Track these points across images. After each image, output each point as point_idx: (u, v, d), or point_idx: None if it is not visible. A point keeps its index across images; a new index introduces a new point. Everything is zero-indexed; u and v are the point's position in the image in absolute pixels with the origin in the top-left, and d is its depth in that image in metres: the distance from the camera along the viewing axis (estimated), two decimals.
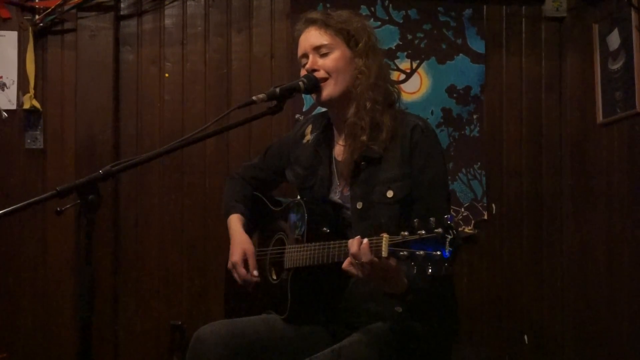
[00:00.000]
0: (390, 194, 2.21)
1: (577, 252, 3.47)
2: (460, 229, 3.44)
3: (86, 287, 1.82)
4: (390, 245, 1.81)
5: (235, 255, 2.44)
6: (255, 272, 2.42)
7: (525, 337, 3.52)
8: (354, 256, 1.89)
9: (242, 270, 2.43)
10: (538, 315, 3.54)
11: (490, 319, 3.53)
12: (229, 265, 2.47)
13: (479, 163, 3.54)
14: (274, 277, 2.43)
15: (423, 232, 1.75)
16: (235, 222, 2.54)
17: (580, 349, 3.45)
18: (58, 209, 1.86)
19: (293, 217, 2.38)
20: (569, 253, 3.52)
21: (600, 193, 3.32)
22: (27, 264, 3.40)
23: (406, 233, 1.78)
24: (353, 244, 1.89)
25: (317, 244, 2.16)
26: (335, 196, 2.35)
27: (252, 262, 2.43)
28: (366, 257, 1.86)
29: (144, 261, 3.46)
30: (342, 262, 1.98)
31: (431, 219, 1.76)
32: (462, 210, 3.50)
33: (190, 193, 3.48)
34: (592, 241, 3.38)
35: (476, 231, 3.50)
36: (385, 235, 1.82)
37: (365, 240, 1.87)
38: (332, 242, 2.10)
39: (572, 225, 3.51)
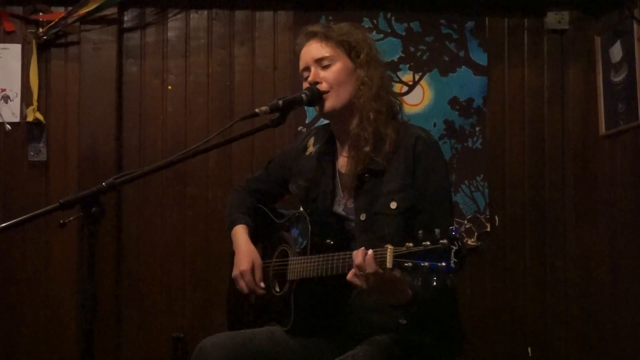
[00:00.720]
0: (393, 205, 2.21)
1: (580, 264, 3.46)
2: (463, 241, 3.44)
3: (89, 299, 1.82)
4: (394, 257, 1.81)
5: (244, 265, 2.43)
6: (262, 284, 2.42)
7: (529, 349, 3.51)
8: (359, 267, 1.89)
9: (250, 279, 2.41)
10: (541, 327, 3.53)
11: (493, 331, 3.51)
12: (235, 273, 2.45)
13: (482, 175, 3.54)
14: (277, 289, 2.43)
15: (428, 243, 1.75)
16: (241, 233, 2.54)
17: None
18: (62, 221, 1.86)
19: (296, 229, 2.38)
20: (572, 265, 3.51)
21: (603, 204, 3.31)
22: (30, 275, 3.40)
23: (411, 244, 1.78)
24: (358, 255, 1.89)
25: (321, 255, 2.16)
26: (339, 208, 2.35)
27: (258, 273, 2.43)
28: (371, 268, 1.86)
29: (146, 273, 3.46)
30: (346, 274, 1.99)
31: (436, 230, 1.76)
32: (465, 222, 3.49)
33: (193, 205, 3.48)
34: (595, 253, 3.37)
35: (479, 243, 3.50)
36: (389, 247, 1.82)
37: (370, 252, 1.87)
38: (336, 254, 2.10)
39: (575, 236, 3.50)
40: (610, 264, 3.25)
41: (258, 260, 2.45)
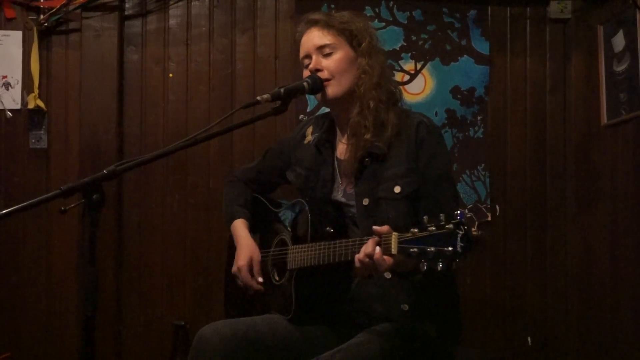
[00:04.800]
0: (397, 189, 2.21)
1: (581, 254, 3.47)
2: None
3: (90, 286, 1.82)
4: (399, 242, 1.81)
5: (242, 260, 2.44)
6: (260, 279, 2.43)
7: (529, 338, 3.51)
8: (368, 256, 1.90)
9: (247, 275, 2.43)
10: (541, 317, 3.53)
11: (493, 320, 3.52)
12: (234, 269, 2.47)
13: (483, 164, 3.53)
14: (277, 279, 2.43)
15: (433, 228, 1.76)
16: (240, 227, 2.55)
17: (583, 350, 3.44)
18: (62, 208, 1.87)
19: (295, 218, 2.38)
20: (573, 255, 3.51)
21: (604, 195, 3.31)
22: (30, 263, 3.40)
23: (416, 230, 1.78)
24: (368, 245, 1.90)
25: (322, 243, 2.16)
26: (339, 195, 2.36)
27: (257, 268, 2.44)
28: (378, 255, 1.87)
29: (147, 261, 3.47)
30: (348, 262, 1.99)
31: (441, 215, 1.76)
32: (466, 211, 3.49)
33: (194, 193, 3.48)
34: (596, 243, 3.37)
35: (480, 233, 3.50)
36: (394, 233, 1.83)
37: (376, 239, 1.89)
38: (337, 242, 2.11)
39: (576, 226, 3.50)
40: (610, 253, 3.25)
41: (257, 255, 2.46)
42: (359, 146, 2.26)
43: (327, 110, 2.49)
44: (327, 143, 2.43)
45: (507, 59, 3.58)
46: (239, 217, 2.58)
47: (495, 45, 3.57)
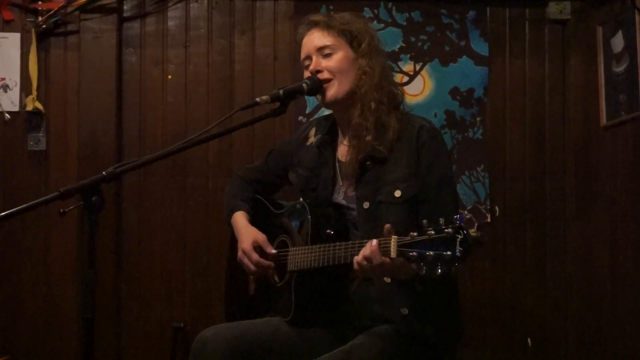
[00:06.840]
0: (398, 193, 2.21)
1: (581, 255, 3.47)
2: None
3: (89, 288, 1.82)
4: (399, 246, 1.81)
5: (245, 243, 2.40)
6: (274, 251, 2.39)
7: (529, 340, 3.51)
8: (366, 259, 1.89)
9: (255, 255, 2.38)
10: (541, 318, 3.53)
11: (493, 322, 3.52)
12: (239, 254, 2.43)
13: (482, 165, 3.53)
14: (277, 280, 2.43)
15: (432, 232, 1.75)
16: (241, 219, 2.52)
17: (583, 352, 3.44)
18: (61, 210, 1.86)
19: (296, 219, 2.38)
20: (573, 256, 3.51)
21: (603, 196, 3.31)
22: (29, 265, 3.39)
23: (415, 234, 1.78)
24: (367, 247, 1.90)
25: (322, 246, 2.16)
26: (339, 197, 2.35)
27: (265, 245, 2.39)
28: (377, 259, 1.87)
29: (147, 263, 3.46)
30: (347, 264, 1.99)
31: (440, 219, 1.76)
32: (465, 212, 3.49)
33: (193, 195, 3.48)
34: (595, 244, 3.37)
35: (479, 234, 3.49)
36: (393, 237, 1.83)
37: (375, 242, 1.89)
38: (337, 244, 2.10)
39: (575, 227, 3.50)
40: (610, 255, 3.25)
41: (262, 236, 2.41)
42: (360, 148, 2.26)
43: (330, 112, 2.49)
44: (328, 145, 2.42)
45: (506, 60, 3.58)
46: (239, 210, 2.56)
47: (494, 46, 3.57)
